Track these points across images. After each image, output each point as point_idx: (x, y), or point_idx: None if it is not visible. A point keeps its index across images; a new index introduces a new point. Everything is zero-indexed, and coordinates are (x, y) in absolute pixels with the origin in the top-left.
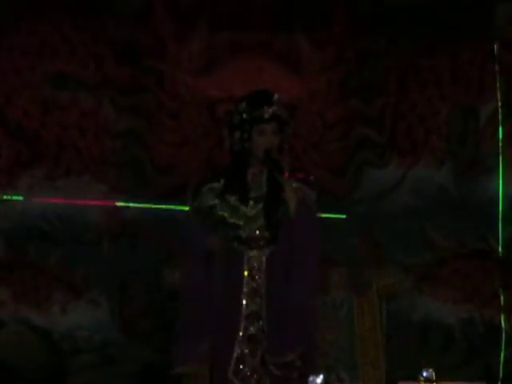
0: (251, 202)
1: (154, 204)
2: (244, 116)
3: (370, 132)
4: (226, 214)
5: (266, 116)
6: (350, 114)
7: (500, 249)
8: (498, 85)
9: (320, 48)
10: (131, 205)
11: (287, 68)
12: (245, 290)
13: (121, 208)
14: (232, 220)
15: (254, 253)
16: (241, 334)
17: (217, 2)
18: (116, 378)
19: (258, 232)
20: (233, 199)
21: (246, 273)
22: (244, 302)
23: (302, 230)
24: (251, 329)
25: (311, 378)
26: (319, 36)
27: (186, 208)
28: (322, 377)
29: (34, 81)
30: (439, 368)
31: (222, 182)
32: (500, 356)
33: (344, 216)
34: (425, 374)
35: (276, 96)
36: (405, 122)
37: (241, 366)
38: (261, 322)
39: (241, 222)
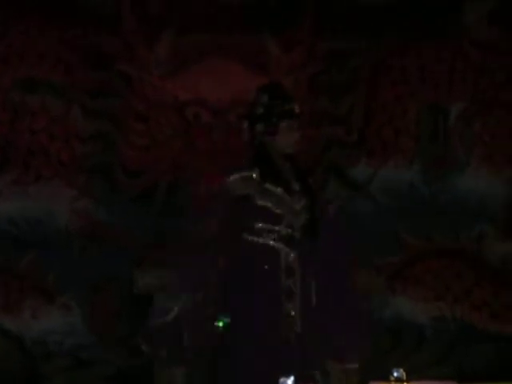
0: (296, 196)
1: (124, 207)
2: (270, 109)
3: (339, 132)
4: (269, 204)
5: (297, 111)
6: (319, 114)
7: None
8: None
9: (288, 48)
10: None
11: (255, 69)
12: (281, 288)
13: (91, 211)
14: (277, 210)
15: (289, 250)
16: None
17: (184, 4)
18: (88, 381)
19: (296, 229)
20: (278, 190)
21: (281, 271)
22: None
23: (338, 230)
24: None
25: (282, 380)
26: (287, 36)
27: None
28: (292, 378)
29: (3, 86)
30: (411, 367)
31: (257, 171)
32: (472, 355)
33: None
34: (395, 374)
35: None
36: (374, 122)
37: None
38: (295, 322)
39: (285, 214)
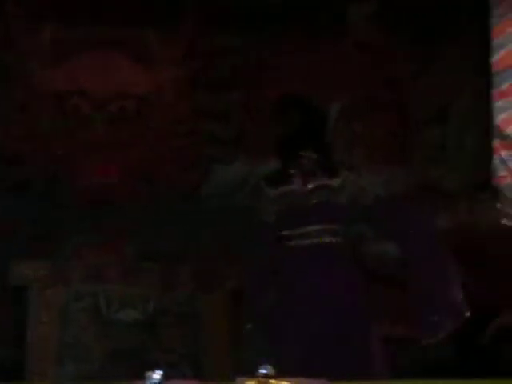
0: None
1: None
2: None
3: (218, 128)
4: None
5: None
6: (199, 110)
7: None
8: None
9: (170, 43)
10: None
11: (138, 62)
12: None
13: None
14: None
15: None
16: None
17: None
18: None
19: None
20: None
21: None
22: None
23: None
24: None
25: (149, 374)
26: (169, 31)
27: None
28: (161, 373)
29: None
30: None
31: None
32: None
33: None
34: (263, 370)
35: None
36: (254, 119)
37: None
38: None
39: None
